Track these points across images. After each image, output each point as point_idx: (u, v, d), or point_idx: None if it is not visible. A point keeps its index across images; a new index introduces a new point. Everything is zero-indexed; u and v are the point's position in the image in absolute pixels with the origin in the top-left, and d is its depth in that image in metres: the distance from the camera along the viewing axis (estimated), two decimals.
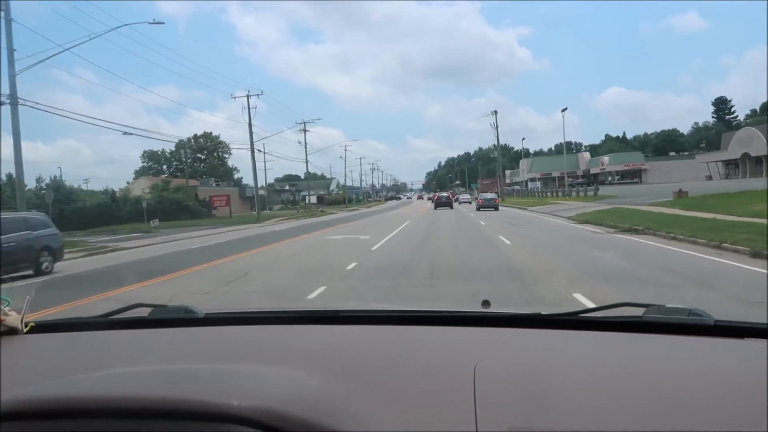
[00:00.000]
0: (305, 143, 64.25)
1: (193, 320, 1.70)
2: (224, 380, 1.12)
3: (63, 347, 1.54)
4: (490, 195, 43.54)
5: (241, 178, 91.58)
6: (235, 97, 46.77)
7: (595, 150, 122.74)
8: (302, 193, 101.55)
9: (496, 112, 65.86)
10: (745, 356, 1.28)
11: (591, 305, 2.59)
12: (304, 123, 64.73)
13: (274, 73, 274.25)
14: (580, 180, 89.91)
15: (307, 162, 66.58)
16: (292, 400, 0.98)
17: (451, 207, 46.54)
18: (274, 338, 1.57)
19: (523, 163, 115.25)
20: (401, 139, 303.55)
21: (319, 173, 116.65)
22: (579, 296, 7.21)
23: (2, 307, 1.52)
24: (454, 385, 1.09)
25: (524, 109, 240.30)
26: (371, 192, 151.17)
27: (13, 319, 1.52)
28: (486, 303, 1.77)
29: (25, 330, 1.54)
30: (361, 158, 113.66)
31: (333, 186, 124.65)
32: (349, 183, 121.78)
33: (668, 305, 1.49)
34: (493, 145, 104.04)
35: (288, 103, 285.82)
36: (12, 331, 1.51)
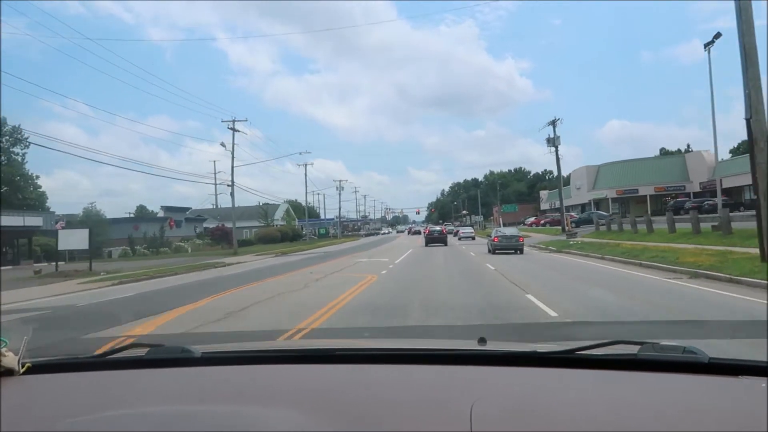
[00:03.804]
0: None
1: (190, 360, 1.67)
2: (221, 422, 1.13)
3: (60, 388, 1.51)
4: (510, 231, 30.83)
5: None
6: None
7: None
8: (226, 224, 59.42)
9: None
10: (740, 394, 1.28)
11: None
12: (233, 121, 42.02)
13: (270, 103, 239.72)
14: (710, 200, 46.68)
15: None
16: None
17: (445, 243, 40.45)
18: (270, 378, 1.56)
19: (580, 175, 70.76)
20: (402, 171, 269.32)
21: (312, 207, 76.23)
22: None
23: None
24: (451, 425, 1.08)
25: (525, 140, 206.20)
26: (359, 223, 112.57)
27: (9, 360, 1.49)
28: (482, 341, 1.73)
29: (21, 371, 1.52)
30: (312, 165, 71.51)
31: (279, 214, 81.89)
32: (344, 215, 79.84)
33: (663, 343, 1.48)
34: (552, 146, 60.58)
35: (286, 134, 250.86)
36: (9, 372, 1.49)
